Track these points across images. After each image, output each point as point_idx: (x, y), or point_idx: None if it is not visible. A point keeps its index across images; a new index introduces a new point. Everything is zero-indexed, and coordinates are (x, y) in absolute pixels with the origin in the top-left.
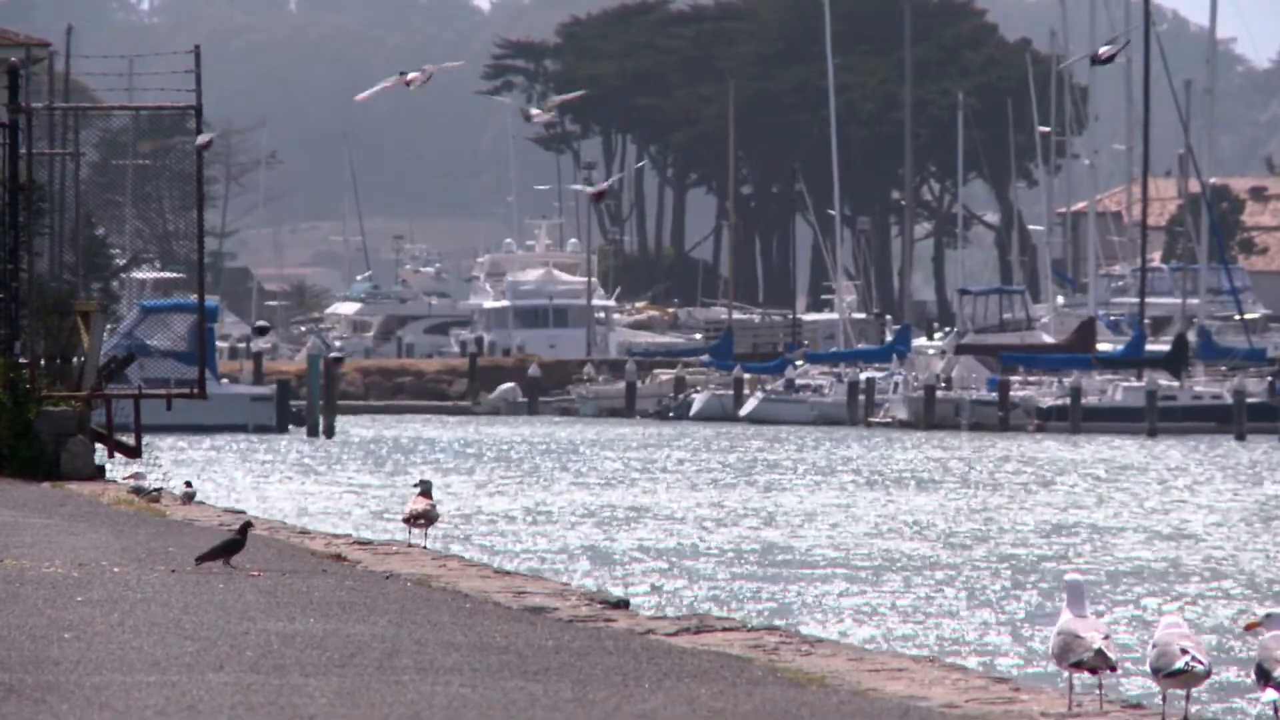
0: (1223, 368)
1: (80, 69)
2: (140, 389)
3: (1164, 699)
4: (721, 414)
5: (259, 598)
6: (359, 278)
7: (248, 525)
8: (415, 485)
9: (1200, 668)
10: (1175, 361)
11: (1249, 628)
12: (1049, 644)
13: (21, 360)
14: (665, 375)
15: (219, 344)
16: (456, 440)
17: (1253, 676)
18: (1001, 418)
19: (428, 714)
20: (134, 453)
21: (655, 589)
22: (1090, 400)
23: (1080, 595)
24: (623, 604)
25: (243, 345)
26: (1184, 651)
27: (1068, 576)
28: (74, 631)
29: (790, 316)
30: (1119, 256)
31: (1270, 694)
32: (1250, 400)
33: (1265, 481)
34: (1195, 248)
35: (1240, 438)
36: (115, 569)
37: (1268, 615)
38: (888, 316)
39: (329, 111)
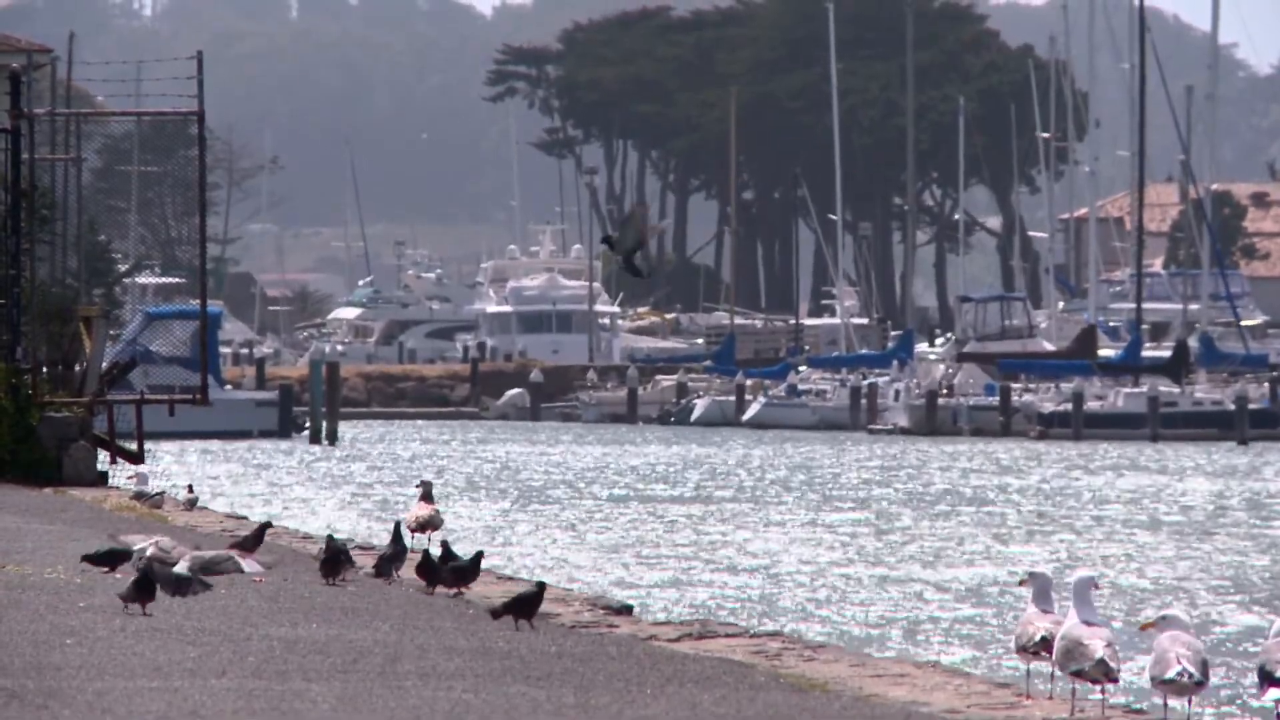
0: (1224, 374)
1: (82, 75)
2: (144, 394)
3: (1165, 705)
4: (722, 419)
5: (261, 603)
6: (361, 283)
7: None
8: (417, 486)
9: (1186, 680)
10: (1176, 367)
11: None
12: (1054, 648)
13: (24, 366)
14: (667, 381)
15: (222, 349)
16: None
17: (1255, 679)
18: (1003, 424)
19: (430, 719)
20: (136, 458)
21: (658, 595)
22: (1092, 406)
23: (1087, 594)
24: (625, 609)
25: (245, 351)
26: (1178, 660)
27: (1077, 574)
28: (76, 637)
29: (792, 322)
30: (1121, 262)
31: (1273, 692)
32: (1252, 406)
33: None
34: (1200, 252)
35: (1242, 443)
36: (117, 575)
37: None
38: (889, 322)
39: (331, 117)
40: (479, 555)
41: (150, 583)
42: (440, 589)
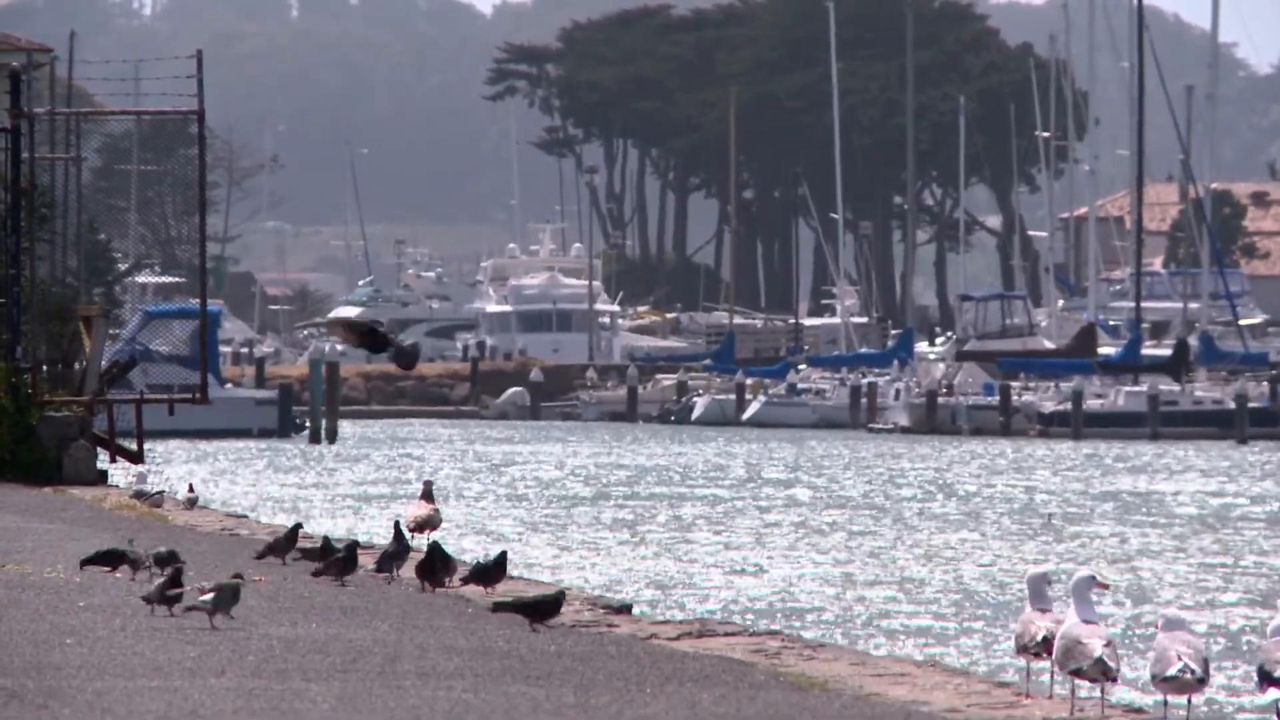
0: (1224, 372)
1: (82, 75)
2: (143, 393)
3: (1165, 704)
4: (722, 418)
5: (261, 603)
6: (361, 282)
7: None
8: (420, 485)
9: (1189, 677)
10: (1176, 366)
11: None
12: (1054, 647)
13: (24, 365)
14: (667, 380)
15: (222, 349)
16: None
17: (1255, 678)
18: (1003, 423)
19: (429, 719)
20: (136, 458)
21: (657, 594)
22: (1092, 405)
23: (1087, 593)
24: (625, 609)
25: (245, 350)
26: (1179, 658)
27: (1077, 573)
28: (76, 637)
29: (792, 321)
30: (1121, 261)
31: (1273, 692)
32: (1251, 405)
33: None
34: (1200, 252)
35: (1242, 442)
36: (117, 574)
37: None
38: (889, 321)
39: (331, 117)
40: (503, 555)
41: (178, 584)
42: (437, 589)
